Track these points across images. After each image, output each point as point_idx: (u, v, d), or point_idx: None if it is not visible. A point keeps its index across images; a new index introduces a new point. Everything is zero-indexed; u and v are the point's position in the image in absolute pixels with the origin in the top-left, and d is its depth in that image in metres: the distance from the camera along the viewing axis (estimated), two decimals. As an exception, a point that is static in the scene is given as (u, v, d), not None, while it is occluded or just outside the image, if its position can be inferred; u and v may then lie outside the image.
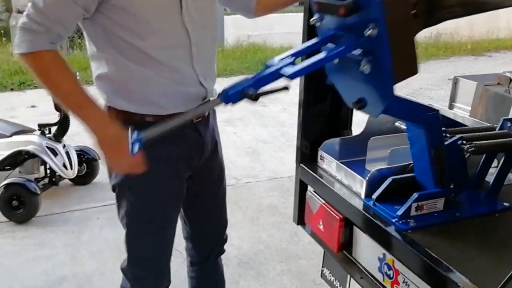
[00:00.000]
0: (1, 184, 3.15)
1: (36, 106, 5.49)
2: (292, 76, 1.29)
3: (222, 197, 1.81)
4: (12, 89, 6.35)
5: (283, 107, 5.47)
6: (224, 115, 5.23)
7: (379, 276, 1.62)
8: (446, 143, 1.49)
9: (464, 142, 1.50)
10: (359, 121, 2.01)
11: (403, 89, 6.29)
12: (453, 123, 1.87)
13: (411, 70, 1.30)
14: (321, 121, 1.90)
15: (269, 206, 3.36)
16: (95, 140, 1.34)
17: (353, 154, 1.87)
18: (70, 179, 3.56)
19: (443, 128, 1.51)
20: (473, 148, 1.45)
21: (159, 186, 1.51)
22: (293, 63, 1.34)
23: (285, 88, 1.36)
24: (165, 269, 1.67)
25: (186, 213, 1.77)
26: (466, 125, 1.89)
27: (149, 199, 1.53)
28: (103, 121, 1.34)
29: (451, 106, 2.83)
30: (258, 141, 4.53)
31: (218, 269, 1.91)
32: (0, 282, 2.54)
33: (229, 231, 1.88)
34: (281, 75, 1.32)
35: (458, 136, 1.51)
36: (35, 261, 2.76)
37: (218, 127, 1.72)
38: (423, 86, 6.69)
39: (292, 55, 1.37)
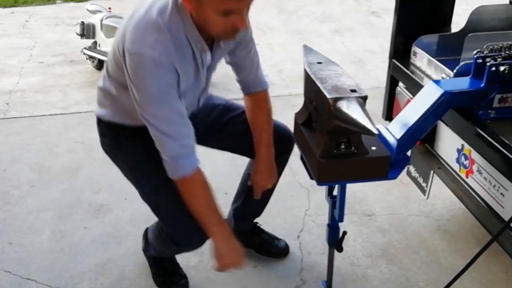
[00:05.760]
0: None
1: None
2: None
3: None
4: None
5: (397, 18, 5.23)
6: (333, 24, 5.19)
7: (455, 167, 1.69)
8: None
9: None
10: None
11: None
12: None
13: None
14: (418, 17, 1.89)
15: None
16: (214, 248, 1.59)
17: (450, 52, 1.86)
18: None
19: None
20: None
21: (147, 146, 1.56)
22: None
23: None
24: (192, 226, 1.67)
25: (224, 148, 1.97)
26: None
27: (144, 159, 1.64)
28: (224, 237, 1.59)
29: None
30: (365, 51, 4.47)
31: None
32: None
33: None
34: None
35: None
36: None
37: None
38: None
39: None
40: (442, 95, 1.44)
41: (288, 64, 4.29)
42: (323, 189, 2.56)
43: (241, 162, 2.93)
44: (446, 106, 1.46)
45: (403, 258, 2.16)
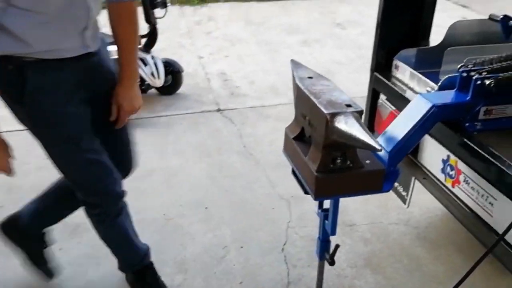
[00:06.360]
0: (99, 88, 3.52)
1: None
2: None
3: (120, 138, 1.81)
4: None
5: (363, 30, 5.35)
6: (301, 36, 5.25)
7: (441, 177, 1.74)
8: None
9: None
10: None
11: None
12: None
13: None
14: (398, 31, 1.94)
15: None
16: None
17: (429, 65, 1.91)
18: (156, 89, 3.86)
19: None
20: None
21: (53, 109, 1.52)
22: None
23: None
24: (110, 190, 1.74)
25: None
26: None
27: (50, 122, 1.55)
28: None
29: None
30: (333, 62, 4.55)
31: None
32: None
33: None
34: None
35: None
36: (128, 155, 3.13)
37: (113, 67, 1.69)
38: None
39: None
40: (431, 108, 1.48)
41: (259, 75, 4.30)
42: (304, 200, 2.59)
43: (219, 174, 2.92)
44: (435, 119, 1.50)
45: (387, 267, 2.19)
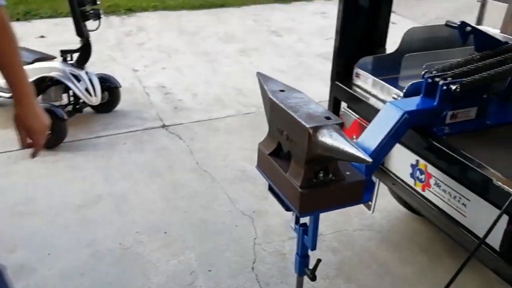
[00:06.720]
0: (29, 110, 3.22)
1: (44, 36, 5.42)
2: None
3: None
4: (18, 19, 6.21)
5: (299, 37, 5.43)
6: (238, 45, 5.21)
7: (410, 181, 1.75)
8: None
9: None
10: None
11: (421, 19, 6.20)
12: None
13: None
14: (356, 40, 1.94)
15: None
16: None
17: (387, 72, 1.93)
18: (92, 107, 3.63)
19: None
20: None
21: None
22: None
23: None
24: None
25: None
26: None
27: None
28: None
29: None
30: (275, 71, 4.54)
31: None
32: (41, 200, 2.68)
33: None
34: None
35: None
36: (70, 181, 2.89)
37: None
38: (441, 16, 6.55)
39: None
40: (403, 115, 1.48)
41: (201, 87, 4.19)
42: (267, 215, 2.53)
43: (174, 194, 2.77)
44: (407, 126, 1.50)
45: (358, 274, 2.18)
